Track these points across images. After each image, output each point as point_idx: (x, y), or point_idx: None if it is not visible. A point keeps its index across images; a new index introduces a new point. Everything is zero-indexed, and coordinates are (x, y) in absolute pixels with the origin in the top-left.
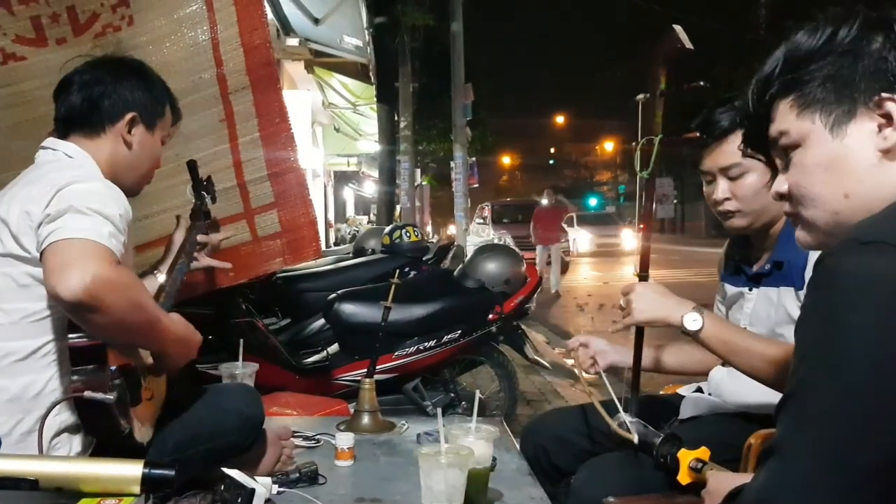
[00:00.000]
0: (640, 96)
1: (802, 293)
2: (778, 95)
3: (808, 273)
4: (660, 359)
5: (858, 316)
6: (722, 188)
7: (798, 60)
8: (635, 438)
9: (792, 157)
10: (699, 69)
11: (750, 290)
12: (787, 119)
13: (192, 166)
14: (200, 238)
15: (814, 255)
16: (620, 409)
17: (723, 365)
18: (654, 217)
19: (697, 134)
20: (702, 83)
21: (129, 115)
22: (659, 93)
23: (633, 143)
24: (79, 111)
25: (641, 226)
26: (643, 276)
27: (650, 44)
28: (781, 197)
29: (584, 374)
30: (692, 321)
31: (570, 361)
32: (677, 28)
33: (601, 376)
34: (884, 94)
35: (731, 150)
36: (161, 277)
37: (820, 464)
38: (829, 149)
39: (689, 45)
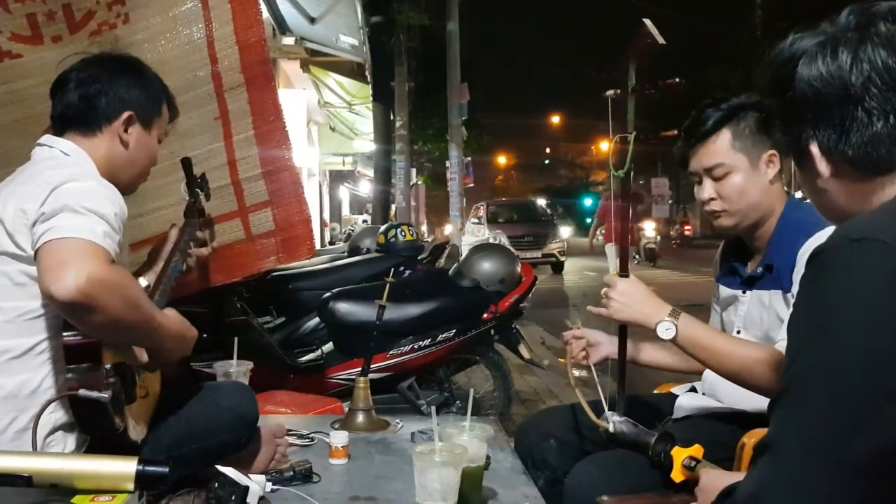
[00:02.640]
0: (610, 92)
1: (790, 295)
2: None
3: (796, 275)
4: (652, 354)
5: (849, 312)
6: (707, 188)
7: (763, 96)
8: (610, 427)
9: None
10: (694, 69)
11: (744, 292)
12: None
13: (186, 164)
14: (191, 251)
15: (803, 255)
16: (606, 407)
17: None
18: (636, 215)
19: (675, 132)
20: (678, 80)
21: (125, 115)
22: (630, 89)
23: (607, 142)
24: (75, 109)
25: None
26: (623, 275)
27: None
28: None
29: (572, 369)
30: (665, 330)
31: (563, 360)
32: (647, 22)
33: (591, 370)
34: (802, 143)
35: (714, 149)
36: (144, 283)
37: (811, 459)
38: (800, 177)
39: (660, 39)
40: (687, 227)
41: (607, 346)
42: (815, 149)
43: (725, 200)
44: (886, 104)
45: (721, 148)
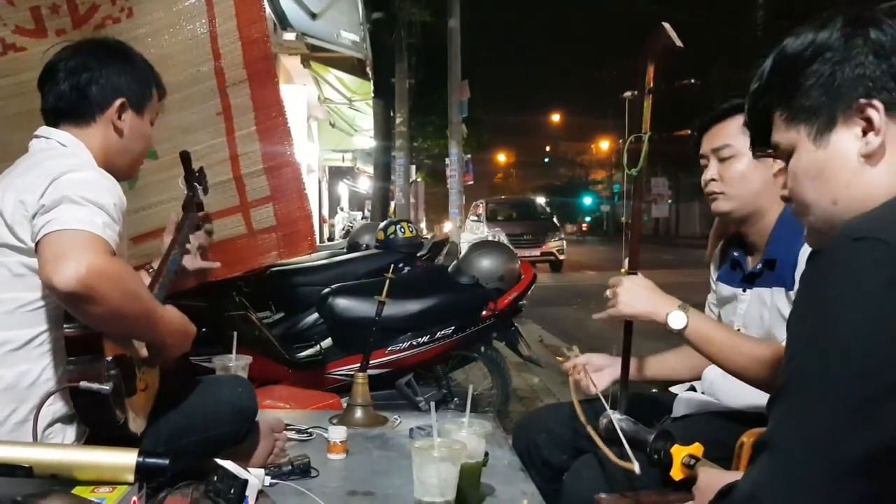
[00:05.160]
0: (628, 93)
1: (793, 293)
2: (770, 106)
3: (799, 272)
4: (652, 369)
5: (849, 311)
6: (712, 169)
7: (784, 70)
8: (636, 468)
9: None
10: (696, 69)
11: (744, 290)
12: (778, 130)
13: (184, 157)
14: (191, 239)
15: (804, 254)
16: (608, 406)
17: None
18: (647, 215)
19: (689, 132)
20: (693, 81)
21: (118, 102)
22: (647, 90)
23: (621, 141)
24: (67, 100)
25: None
26: (632, 272)
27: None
28: (787, 200)
29: (575, 396)
30: (676, 320)
31: (561, 358)
32: (666, 25)
33: (601, 398)
34: (862, 101)
35: (725, 132)
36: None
37: (810, 458)
38: (815, 158)
39: (678, 42)
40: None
41: (614, 369)
42: (878, 104)
43: (726, 183)
44: None
45: (732, 131)
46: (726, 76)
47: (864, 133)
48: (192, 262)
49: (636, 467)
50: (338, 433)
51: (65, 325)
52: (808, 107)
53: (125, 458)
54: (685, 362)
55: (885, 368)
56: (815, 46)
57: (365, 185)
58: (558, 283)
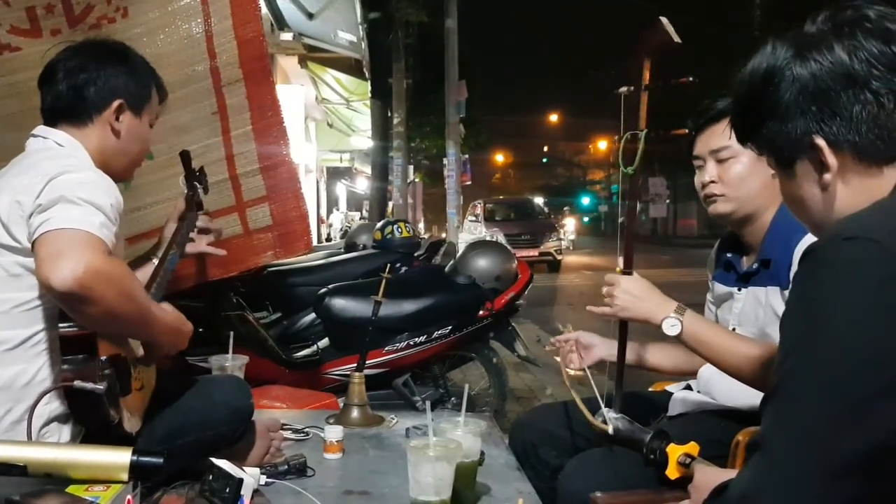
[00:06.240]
0: (623, 89)
1: (788, 292)
2: (747, 136)
3: (794, 272)
4: (652, 357)
5: (840, 311)
6: (710, 170)
7: (742, 108)
8: (610, 429)
9: None
10: (693, 68)
11: (739, 289)
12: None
13: (185, 157)
14: (202, 223)
15: (799, 254)
16: (602, 405)
17: None
18: (644, 215)
19: (685, 131)
20: (691, 78)
21: (115, 103)
22: (643, 86)
23: (617, 138)
24: (65, 100)
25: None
26: (627, 272)
27: (640, 40)
28: None
29: (567, 370)
30: (670, 326)
31: (558, 358)
32: (663, 20)
33: (586, 372)
34: (806, 140)
35: (722, 133)
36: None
37: (802, 458)
38: (790, 187)
39: (676, 37)
40: None
41: (602, 348)
42: (821, 142)
43: (726, 185)
44: (892, 84)
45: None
46: (724, 75)
47: (819, 168)
48: (194, 246)
49: (610, 429)
50: (334, 433)
51: (59, 325)
52: (769, 147)
53: (119, 457)
54: (685, 354)
55: (877, 368)
56: (760, 83)
57: (363, 185)
58: (556, 284)
